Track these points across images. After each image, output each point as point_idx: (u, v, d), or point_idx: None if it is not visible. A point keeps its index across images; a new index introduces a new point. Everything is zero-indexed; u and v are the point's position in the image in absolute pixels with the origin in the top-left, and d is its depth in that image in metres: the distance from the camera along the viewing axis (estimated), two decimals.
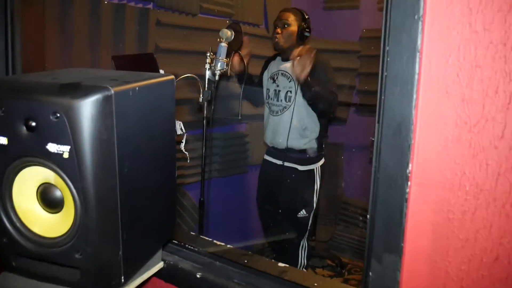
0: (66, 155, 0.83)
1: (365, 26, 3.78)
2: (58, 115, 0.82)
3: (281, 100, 2.63)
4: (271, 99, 2.69)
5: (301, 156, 2.63)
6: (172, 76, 1.07)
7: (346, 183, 3.97)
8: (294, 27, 2.57)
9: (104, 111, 0.83)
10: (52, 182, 0.90)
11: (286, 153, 2.63)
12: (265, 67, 2.84)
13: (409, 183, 0.76)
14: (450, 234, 0.75)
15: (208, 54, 2.22)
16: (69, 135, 0.82)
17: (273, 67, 2.75)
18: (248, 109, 3.08)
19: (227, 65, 2.27)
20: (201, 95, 2.10)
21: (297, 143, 2.60)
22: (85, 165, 0.83)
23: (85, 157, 0.83)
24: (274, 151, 2.74)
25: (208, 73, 2.21)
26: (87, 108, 0.81)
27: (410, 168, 0.76)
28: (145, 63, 1.92)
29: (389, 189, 0.79)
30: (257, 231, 3.32)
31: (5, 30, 1.88)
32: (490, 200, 0.71)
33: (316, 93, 2.39)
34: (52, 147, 0.84)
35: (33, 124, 0.85)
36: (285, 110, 2.61)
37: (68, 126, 0.82)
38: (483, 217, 0.72)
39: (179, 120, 2.16)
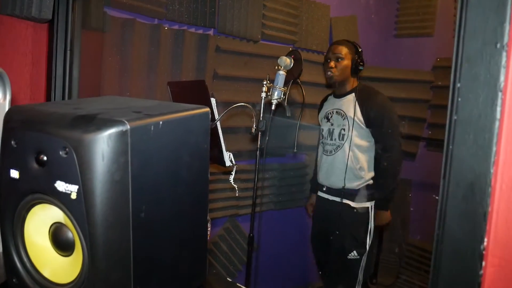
0: (74, 196, 0.74)
1: (439, 54, 3.52)
2: (68, 150, 0.73)
3: (335, 139, 2.52)
4: (325, 138, 2.60)
5: (355, 192, 2.48)
6: (207, 109, 0.96)
7: (413, 223, 3.65)
8: (347, 61, 2.47)
9: (117, 149, 0.73)
10: (63, 222, 0.81)
11: (340, 190, 2.50)
12: (320, 108, 2.75)
13: (483, 263, 0.57)
14: None
15: (264, 83, 2.11)
16: (78, 173, 0.73)
17: (327, 106, 2.66)
18: (307, 140, 2.93)
19: (284, 94, 2.14)
20: (254, 125, 1.98)
21: (351, 183, 2.47)
22: (93, 208, 0.73)
23: (94, 199, 0.73)
24: (327, 189, 2.61)
25: (263, 102, 2.10)
26: (97, 144, 0.72)
27: (485, 243, 0.57)
28: (197, 90, 1.85)
29: (456, 267, 0.60)
30: (313, 270, 3.11)
31: (64, 54, 1.90)
32: None
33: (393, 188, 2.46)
34: (60, 186, 0.75)
35: (44, 158, 0.77)
36: (338, 149, 2.50)
37: (77, 163, 0.73)
38: None
39: (233, 149, 2.06)
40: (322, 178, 2.61)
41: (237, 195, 2.04)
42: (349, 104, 2.47)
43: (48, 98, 1.94)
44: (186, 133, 0.91)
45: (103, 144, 0.72)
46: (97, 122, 0.74)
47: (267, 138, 2.12)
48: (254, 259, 2.38)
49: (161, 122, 0.82)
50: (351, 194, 2.48)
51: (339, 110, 2.52)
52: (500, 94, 0.55)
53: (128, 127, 0.74)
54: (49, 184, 0.76)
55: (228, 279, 1.29)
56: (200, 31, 2.60)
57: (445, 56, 3.45)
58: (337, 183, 2.49)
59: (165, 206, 0.86)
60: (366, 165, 2.45)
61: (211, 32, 2.66)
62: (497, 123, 0.56)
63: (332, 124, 2.55)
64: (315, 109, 2.96)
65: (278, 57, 2.17)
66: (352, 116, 2.42)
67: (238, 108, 1.86)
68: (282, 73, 2.15)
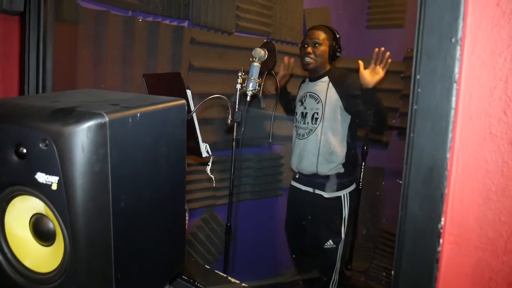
0: (54, 187, 0.76)
1: (410, 45, 3.61)
2: (48, 142, 0.75)
3: (308, 123, 2.50)
4: (298, 122, 2.58)
5: (327, 182, 2.48)
6: (183, 101, 0.99)
7: (386, 210, 3.75)
8: (325, 47, 2.45)
9: (96, 140, 0.75)
10: (44, 213, 0.83)
11: (312, 178, 2.50)
12: (298, 90, 2.73)
13: (441, 240, 0.63)
14: None
15: (239, 74, 2.14)
16: (58, 165, 0.75)
17: (302, 89, 2.64)
18: (283, 130, 2.98)
19: (259, 85, 2.18)
20: (229, 116, 2.01)
21: (323, 168, 2.46)
22: (74, 198, 0.75)
23: (75, 190, 0.75)
24: (300, 177, 2.60)
25: (239, 93, 2.13)
26: (77, 137, 0.74)
27: (442, 222, 0.63)
28: (172, 82, 1.86)
29: (417, 245, 0.66)
30: (289, 259, 3.18)
31: (36, 47, 1.88)
32: None
33: (378, 103, 2.30)
34: (40, 177, 0.77)
35: (24, 151, 0.78)
36: (311, 133, 2.48)
37: (57, 155, 0.75)
38: None
39: (209, 141, 2.09)
40: (294, 163, 2.60)
41: (214, 185, 2.07)
42: (323, 87, 2.45)
43: (21, 91, 1.92)
44: (163, 125, 0.93)
45: (82, 136, 0.74)
46: (76, 115, 0.76)
47: (242, 129, 2.15)
48: (231, 248, 2.42)
49: (138, 114, 0.84)
50: (323, 183, 2.48)
51: (312, 94, 2.50)
52: (455, 85, 0.60)
53: (107, 119, 0.76)
54: (29, 176, 0.78)
55: (206, 266, 1.33)
56: (175, 23, 2.60)
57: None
58: (309, 168, 2.48)
59: (144, 196, 0.89)
60: (338, 150, 2.44)
61: (185, 24, 2.66)
62: (452, 112, 0.61)
63: (305, 108, 2.53)
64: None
65: (252, 49, 2.20)
66: (325, 99, 2.42)
67: (213, 99, 1.89)
68: (256, 64, 2.18)
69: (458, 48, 0.59)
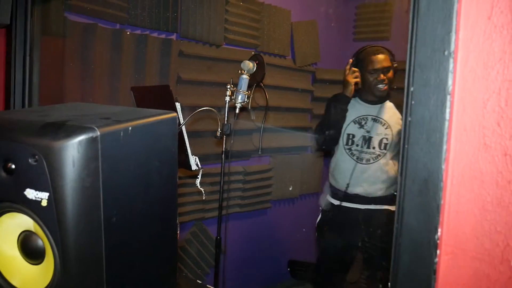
0: (44, 203, 0.74)
1: (396, 58, 3.65)
2: (37, 157, 0.73)
3: (374, 148, 2.42)
4: (359, 145, 2.45)
5: (393, 197, 2.44)
6: (174, 114, 0.98)
7: None
8: (392, 71, 2.44)
9: (87, 155, 0.74)
10: (33, 230, 0.81)
11: (377, 198, 2.44)
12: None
13: (438, 251, 0.63)
14: None
15: (228, 87, 2.14)
16: (48, 180, 0.73)
17: (355, 111, 2.49)
18: (271, 143, 2.98)
19: (248, 97, 2.18)
20: (219, 129, 2.01)
21: (394, 190, 2.42)
22: (65, 215, 0.74)
23: (65, 206, 0.74)
24: (360, 198, 2.47)
25: (227, 106, 2.13)
26: (68, 151, 0.72)
27: (439, 233, 0.63)
28: (161, 94, 1.86)
29: (413, 257, 0.65)
30: (280, 269, 3.16)
31: (23, 60, 1.86)
32: None
33: None
34: (30, 193, 0.75)
35: (12, 166, 0.77)
36: (379, 158, 2.41)
37: (47, 171, 0.73)
38: None
39: (199, 153, 2.07)
40: (354, 186, 2.46)
41: (203, 198, 2.06)
42: (389, 112, 2.43)
43: (7, 105, 1.89)
44: (154, 138, 0.92)
45: (73, 150, 0.73)
46: (66, 129, 0.75)
47: (232, 142, 2.15)
48: (221, 262, 2.40)
49: (130, 128, 0.83)
50: (390, 199, 2.43)
51: (377, 118, 2.43)
52: (448, 97, 0.61)
53: (98, 133, 0.75)
54: (18, 192, 0.76)
55: (198, 281, 1.31)
56: (163, 36, 2.60)
57: (401, 60, 3.58)
58: (379, 192, 2.42)
59: (136, 211, 0.87)
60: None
61: (174, 36, 2.66)
62: (446, 124, 0.61)
63: (368, 132, 2.44)
64: (278, 112, 3.01)
65: (241, 61, 2.20)
66: (394, 125, 2.40)
67: (203, 112, 1.88)
68: (245, 77, 2.18)
69: (451, 60, 0.60)
